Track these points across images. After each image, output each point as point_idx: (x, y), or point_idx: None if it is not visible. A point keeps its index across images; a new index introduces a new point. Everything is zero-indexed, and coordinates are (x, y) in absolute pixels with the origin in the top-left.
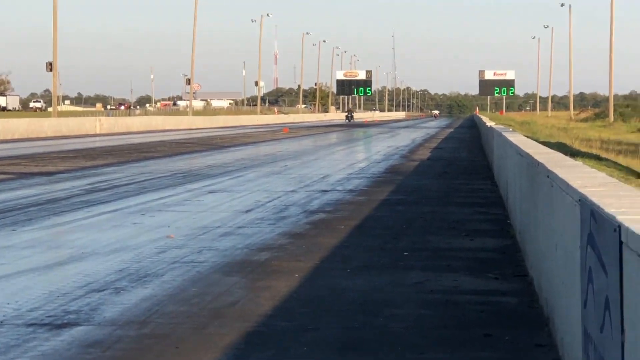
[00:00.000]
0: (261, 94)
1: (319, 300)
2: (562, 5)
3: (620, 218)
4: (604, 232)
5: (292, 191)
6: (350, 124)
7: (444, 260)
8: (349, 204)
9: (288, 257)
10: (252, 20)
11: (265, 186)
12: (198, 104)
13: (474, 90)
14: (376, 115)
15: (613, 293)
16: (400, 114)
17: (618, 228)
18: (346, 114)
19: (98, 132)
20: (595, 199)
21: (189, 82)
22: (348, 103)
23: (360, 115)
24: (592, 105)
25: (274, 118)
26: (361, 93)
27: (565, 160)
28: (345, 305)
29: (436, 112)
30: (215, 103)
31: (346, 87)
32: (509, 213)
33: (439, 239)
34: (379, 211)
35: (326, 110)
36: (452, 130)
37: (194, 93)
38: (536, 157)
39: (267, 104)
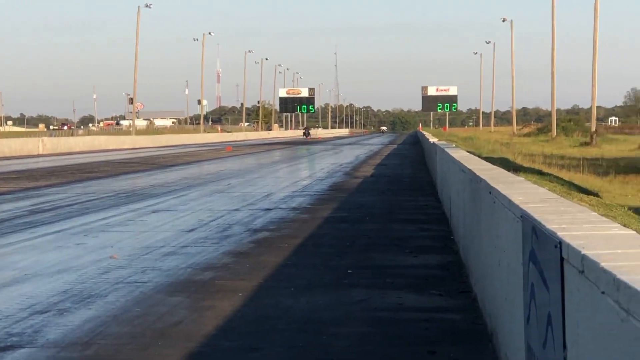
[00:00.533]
0: (204, 112)
1: (263, 320)
2: (504, 21)
3: (561, 234)
4: (545, 248)
5: (236, 210)
6: (293, 141)
7: (388, 278)
8: (293, 222)
9: (232, 276)
10: (194, 39)
11: (208, 205)
12: (141, 123)
13: (417, 107)
14: (319, 132)
15: (555, 309)
16: (344, 131)
17: (559, 244)
18: (303, 130)
19: (41, 152)
20: (536, 215)
21: (131, 101)
22: (292, 120)
23: (301, 133)
24: (535, 120)
25: (218, 136)
26: (304, 110)
27: (507, 176)
28: (289, 324)
29: (384, 128)
30: (159, 122)
31: (289, 104)
32: (452, 229)
33: (383, 256)
34: (322, 229)
35: (269, 128)
36: (395, 146)
37: (136, 112)
38: (478, 173)
39: (210, 123)
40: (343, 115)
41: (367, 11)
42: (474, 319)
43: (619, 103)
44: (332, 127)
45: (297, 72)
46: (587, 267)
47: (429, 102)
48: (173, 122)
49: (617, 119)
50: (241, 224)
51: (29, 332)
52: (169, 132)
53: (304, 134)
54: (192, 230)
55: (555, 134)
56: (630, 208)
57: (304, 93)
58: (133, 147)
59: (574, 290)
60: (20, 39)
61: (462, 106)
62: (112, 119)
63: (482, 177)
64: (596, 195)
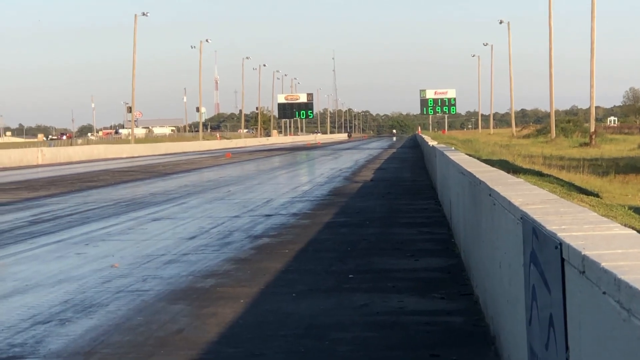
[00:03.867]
0: (203, 119)
1: (265, 325)
2: (501, 22)
3: (561, 235)
4: (546, 250)
5: (236, 216)
6: (293, 147)
7: (390, 282)
8: (293, 227)
9: (233, 283)
10: (191, 46)
11: (209, 212)
12: (140, 132)
13: (416, 110)
14: (318, 138)
15: (557, 310)
16: (343, 136)
17: (559, 245)
18: (347, 133)
19: (40, 162)
20: (536, 216)
21: (130, 110)
22: (290, 126)
23: (302, 138)
24: (534, 121)
25: (217, 144)
26: (303, 116)
27: (507, 178)
28: (291, 329)
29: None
30: (157, 130)
31: (288, 110)
32: (453, 232)
33: (384, 260)
34: (323, 234)
35: (268, 134)
36: (394, 150)
37: (135, 121)
38: (478, 175)
39: (209, 130)
40: (342, 120)
41: (364, 16)
42: (476, 321)
43: (618, 103)
44: (331, 133)
45: (295, 78)
46: (588, 267)
47: (428, 106)
48: (172, 130)
49: (616, 118)
50: (242, 231)
51: (31, 343)
52: (168, 140)
53: (348, 135)
54: (192, 237)
55: (554, 135)
56: (630, 208)
57: (303, 98)
58: (132, 155)
59: (575, 291)
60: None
61: (461, 109)
62: (110, 127)
63: (482, 179)
64: (596, 195)
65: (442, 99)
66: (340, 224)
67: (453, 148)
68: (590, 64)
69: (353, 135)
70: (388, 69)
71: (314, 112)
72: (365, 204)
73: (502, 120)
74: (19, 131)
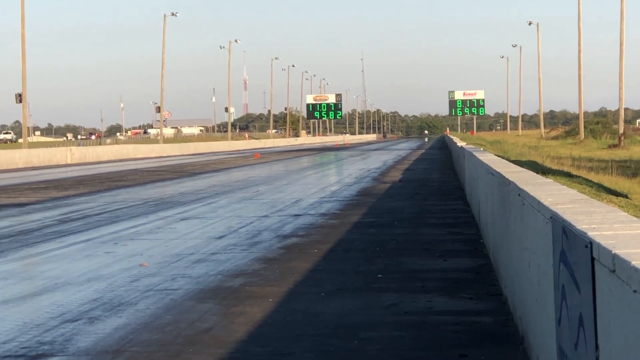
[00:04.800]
0: (232, 120)
1: (294, 325)
2: (530, 24)
3: (591, 234)
4: (575, 249)
5: (265, 216)
6: (321, 148)
7: (418, 282)
8: (322, 227)
9: (262, 282)
10: (220, 46)
11: (237, 212)
12: (169, 132)
13: (444, 111)
14: (347, 138)
15: (586, 310)
16: (371, 136)
17: (589, 244)
18: (383, 134)
19: (69, 162)
20: (566, 216)
21: (159, 110)
22: (319, 127)
23: (330, 139)
24: (562, 122)
25: (245, 144)
26: (331, 116)
27: (536, 178)
28: (319, 329)
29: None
30: (186, 130)
31: (316, 110)
32: (482, 232)
33: (413, 260)
34: (351, 234)
35: (297, 135)
36: (423, 151)
37: (164, 121)
38: (507, 175)
39: (237, 130)
40: (370, 121)
41: (393, 17)
42: (504, 321)
43: None
44: (360, 133)
45: (324, 79)
46: (619, 266)
47: (456, 107)
48: (200, 130)
49: None
50: (270, 230)
51: (60, 341)
52: (197, 140)
53: (384, 136)
54: (221, 237)
55: (583, 136)
56: None
57: (331, 99)
58: (161, 155)
59: (605, 290)
60: (46, 50)
61: (490, 110)
62: (139, 127)
63: (511, 179)
64: (625, 196)
65: (470, 100)
66: (368, 224)
67: (482, 149)
68: (620, 66)
69: (381, 136)
70: (417, 70)
71: (343, 113)
72: (393, 205)
73: (530, 121)
74: (48, 131)
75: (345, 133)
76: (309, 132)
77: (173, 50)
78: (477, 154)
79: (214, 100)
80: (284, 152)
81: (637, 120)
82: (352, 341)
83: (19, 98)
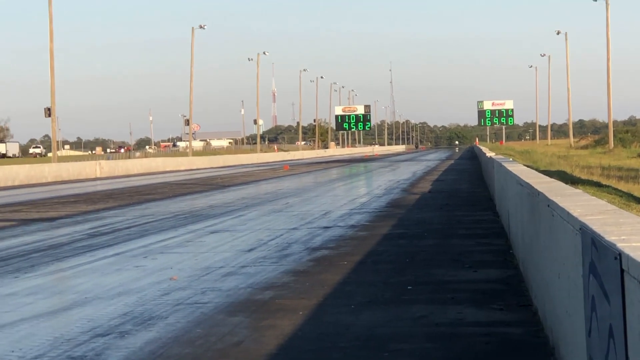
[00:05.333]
0: (260, 132)
1: (324, 337)
2: (558, 33)
3: (620, 245)
4: (605, 260)
5: (294, 228)
6: (350, 159)
7: (448, 293)
8: (351, 239)
9: (292, 295)
10: (249, 59)
11: (267, 224)
12: (198, 145)
13: (473, 121)
14: (376, 150)
15: (616, 321)
16: (400, 147)
17: (619, 256)
18: (415, 144)
19: (98, 175)
20: (595, 227)
21: (187, 122)
22: (348, 138)
23: (359, 150)
24: (591, 132)
25: (274, 156)
26: (360, 128)
27: (565, 189)
28: (350, 341)
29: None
30: (215, 143)
31: (345, 122)
32: (511, 243)
33: (443, 271)
34: (381, 246)
35: (326, 146)
36: (452, 162)
37: (193, 133)
38: (536, 186)
39: (266, 142)
40: (399, 132)
41: (420, 27)
42: (534, 332)
43: None
44: (389, 144)
45: (352, 90)
46: None
47: (485, 117)
48: (230, 143)
49: None
50: (300, 243)
51: (90, 355)
52: (226, 152)
53: (416, 146)
54: (251, 250)
55: (612, 145)
56: None
57: (360, 110)
58: (190, 168)
59: (635, 302)
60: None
61: (519, 120)
62: (168, 140)
63: (540, 190)
64: None
65: (499, 110)
66: (398, 236)
67: (511, 159)
68: None
69: (410, 147)
70: (445, 80)
71: (372, 124)
72: (423, 216)
73: (559, 130)
74: (77, 144)
75: (374, 144)
76: (337, 144)
77: (201, 62)
78: (506, 164)
79: (242, 112)
80: (313, 164)
81: None
82: (382, 353)
83: (48, 112)
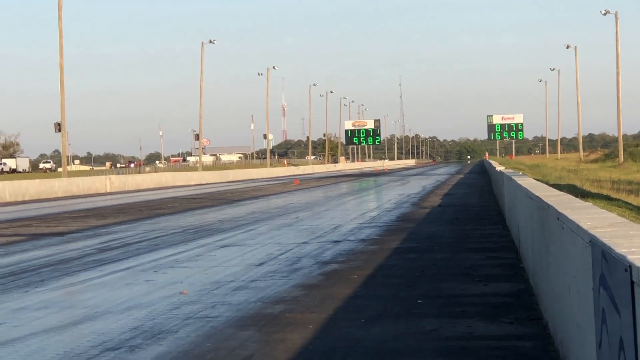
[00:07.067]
0: (270, 146)
1: (335, 351)
2: (568, 47)
3: (631, 258)
4: (615, 273)
5: (304, 243)
6: (360, 174)
7: (459, 307)
8: (362, 253)
9: (302, 309)
10: (258, 73)
11: (277, 239)
12: (208, 159)
13: (483, 135)
14: (386, 164)
15: (627, 333)
16: (410, 162)
17: (629, 268)
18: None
19: (108, 190)
20: (605, 239)
21: (197, 137)
22: (358, 153)
23: (369, 165)
24: (601, 146)
25: (284, 170)
26: (370, 142)
27: (575, 202)
28: (360, 355)
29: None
30: (225, 157)
31: (355, 136)
32: (521, 257)
33: (453, 285)
34: (391, 260)
35: (336, 161)
36: (462, 176)
37: (203, 148)
38: (546, 199)
39: (276, 157)
40: (409, 146)
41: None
42: (545, 346)
43: None
44: (399, 159)
45: (362, 104)
46: None
47: (495, 131)
48: (239, 157)
49: None
50: (310, 257)
51: None
52: (236, 167)
53: (432, 159)
54: (261, 264)
55: (622, 159)
56: None
57: (370, 125)
58: (200, 183)
59: None
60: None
61: (528, 134)
62: (178, 155)
63: (550, 203)
64: None
65: (509, 124)
66: (408, 250)
67: (521, 173)
68: None
69: (426, 161)
70: (455, 94)
71: (381, 138)
72: (433, 230)
73: (569, 144)
74: (87, 159)
75: (384, 158)
76: (347, 158)
77: (211, 77)
78: (516, 178)
79: (252, 127)
80: (322, 179)
81: None
82: None
83: (58, 127)
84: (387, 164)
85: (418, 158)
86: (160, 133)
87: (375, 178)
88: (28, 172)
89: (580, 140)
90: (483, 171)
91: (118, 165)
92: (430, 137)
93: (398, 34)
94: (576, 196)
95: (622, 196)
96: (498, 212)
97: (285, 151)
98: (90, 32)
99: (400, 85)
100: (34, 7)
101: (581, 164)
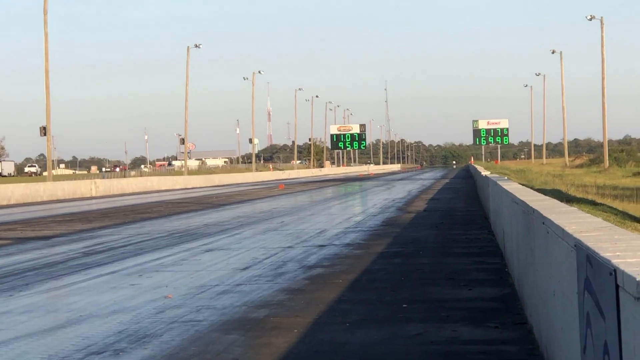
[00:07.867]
0: (256, 151)
1: (319, 355)
2: (553, 52)
3: (615, 262)
4: (600, 277)
5: (289, 247)
6: (345, 178)
7: (444, 311)
8: (347, 258)
9: (287, 313)
10: (244, 78)
11: (262, 243)
12: (193, 163)
13: (468, 140)
14: (371, 169)
15: (611, 337)
16: (395, 167)
17: (614, 272)
18: (420, 163)
19: (94, 194)
20: (590, 243)
21: (183, 141)
22: (343, 157)
23: (355, 169)
24: (586, 151)
25: (270, 175)
26: (355, 147)
27: (560, 207)
28: (345, 359)
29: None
30: (210, 162)
31: (340, 141)
32: (506, 261)
33: (438, 290)
34: (376, 264)
35: (321, 165)
36: (447, 181)
37: (188, 152)
38: (531, 204)
39: (262, 161)
40: (394, 151)
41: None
42: (530, 350)
43: None
44: (384, 163)
45: (347, 109)
46: None
47: (480, 136)
48: (225, 162)
49: None
50: (295, 261)
51: None
52: (221, 171)
53: (421, 165)
54: (246, 268)
55: (607, 164)
56: None
57: (355, 129)
58: (185, 187)
59: (630, 318)
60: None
61: (514, 139)
62: (164, 159)
63: (535, 207)
64: None
65: (494, 129)
66: (393, 254)
67: (506, 178)
68: None
69: (405, 166)
70: (440, 99)
71: (367, 143)
72: (418, 234)
73: (554, 150)
74: (72, 163)
75: (369, 163)
76: (333, 163)
77: (197, 82)
78: (501, 183)
79: (238, 131)
80: (308, 183)
81: None
82: None
83: (44, 131)
84: (372, 168)
85: (404, 163)
86: (146, 137)
87: (360, 183)
88: (13, 175)
89: (566, 145)
90: (468, 176)
91: (103, 169)
92: (415, 142)
93: (384, 39)
94: (561, 201)
95: (607, 201)
96: (483, 216)
97: (271, 155)
98: (76, 36)
99: (385, 89)
100: (19, 10)
101: (566, 169)
